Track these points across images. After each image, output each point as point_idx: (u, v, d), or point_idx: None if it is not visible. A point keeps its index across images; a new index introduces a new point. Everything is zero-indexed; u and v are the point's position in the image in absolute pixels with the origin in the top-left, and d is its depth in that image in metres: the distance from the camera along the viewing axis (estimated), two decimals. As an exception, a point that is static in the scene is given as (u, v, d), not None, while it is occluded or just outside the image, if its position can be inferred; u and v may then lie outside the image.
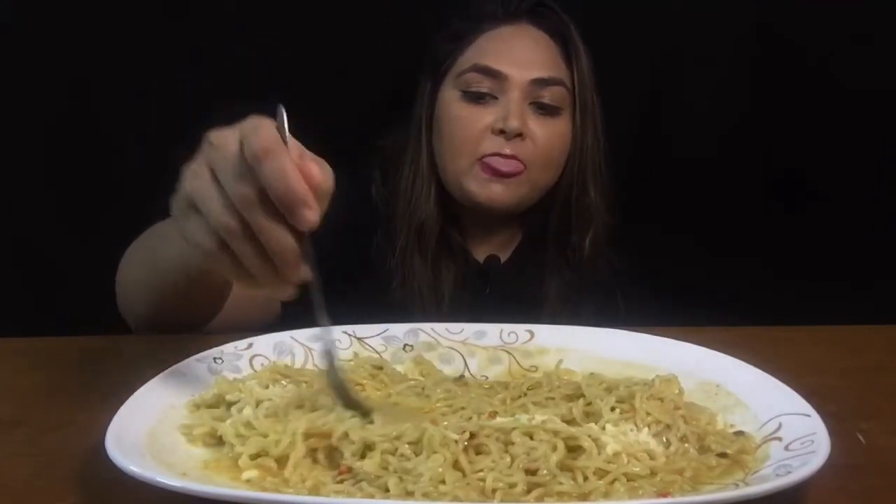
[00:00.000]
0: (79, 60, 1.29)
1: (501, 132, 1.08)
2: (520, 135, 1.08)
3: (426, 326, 0.83)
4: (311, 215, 0.57)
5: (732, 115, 1.39)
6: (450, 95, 1.13)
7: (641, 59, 1.38)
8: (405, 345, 0.81)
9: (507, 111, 1.08)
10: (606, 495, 0.55)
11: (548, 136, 1.11)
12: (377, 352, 0.81)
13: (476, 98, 1.10)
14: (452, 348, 0.81)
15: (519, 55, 1.11)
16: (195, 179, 0.60)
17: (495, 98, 1.10)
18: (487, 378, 0.79)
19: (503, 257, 1.19)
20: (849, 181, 1.37)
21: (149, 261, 0.89)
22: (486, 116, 1.09)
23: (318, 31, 1.32)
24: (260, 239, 0.58)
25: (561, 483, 0.56)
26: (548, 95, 1.10)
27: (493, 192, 1.09)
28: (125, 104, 1.31)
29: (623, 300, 1.16)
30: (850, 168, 1.37)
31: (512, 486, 0.56)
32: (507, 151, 1.08)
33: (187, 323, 0.92)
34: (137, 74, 1.30)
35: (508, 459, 0.58)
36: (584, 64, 1.13)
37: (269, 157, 0.56)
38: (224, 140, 0.60)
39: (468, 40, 1.13)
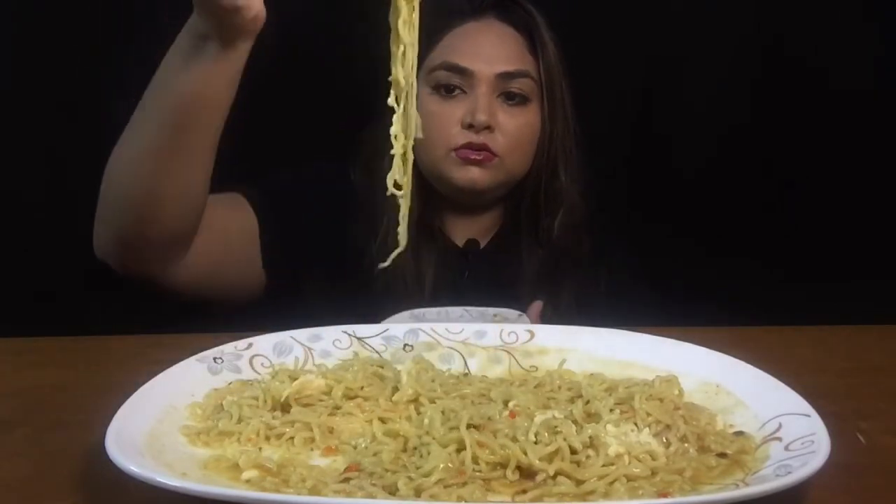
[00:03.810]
0: (77, 59, 1.29)
1: (471, 126, 1.12)
2: (488, 127, 1.12)
3: (426, 326, 0.83)
4: None
5: (732, 116, 1.39)
6: (422, 91, 1.16)
7: (640, 59, 1.38)
8: (405, 345, 0.81)
9: (475, 105, 1.12)
10: (606, 495, 0.55)
11: (517, 126, 1.15)
12: (377, 351, 0.81)
13: (446, 95, 1.14)
14: (452, 348, 0.81)
15: (485, 50, 1.15)
16: None
17: (465, 92, 1.14)
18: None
19: (484, 242, 1.23)
20: (849, 182, 1.37)
21: (139, 118, 0.95)
22: (456, 111, 1.13)
23: (299, 28, 1.31)
24: None
25: (559, 484, 0.56)
26: (515, 87, 1.15)
27: (471, 175, 1.13)
28: (124, 103, 1.31)
29: (607, 281, 1.20)
30: (850, 168, 1.37)
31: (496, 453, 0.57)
32: (478, 143, 1.12)
33: (175, 196, 0.96)
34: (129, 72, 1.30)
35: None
36: (550, 54, 1.17)
37: None
38: None
39: (437, 37, 1.17)
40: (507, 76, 1.14)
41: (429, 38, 1.17)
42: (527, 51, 1.17)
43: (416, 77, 1.17)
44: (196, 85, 0.90)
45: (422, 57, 1.16)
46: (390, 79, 0.86)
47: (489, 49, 1.15)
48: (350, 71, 1.32)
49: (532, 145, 1.18)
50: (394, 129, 0.82)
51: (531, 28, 1.17)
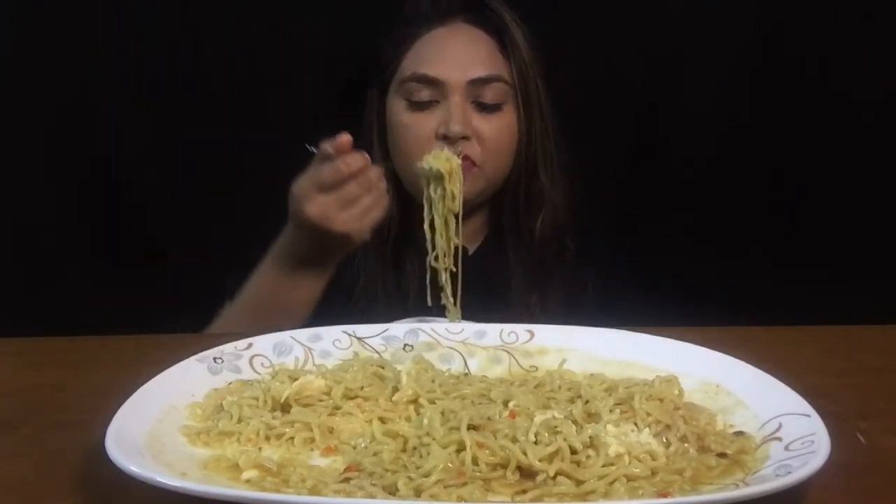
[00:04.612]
0: (77, 60, 1.29)
1: (445, 137, 1.10)
2: (464, 136, 1.10)
3: (426, 326, 0.83)
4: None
5: (732, 116, 1.39)
6: (396, 103, 1.16)
7: (640, 59, 1.38)
8: (405, 345, 0.81)
9: (448, 116, 1.10)
10: (606, 496, 0.55)
11: (493, 131, 1.13)
12: (377, 351, 0.81)
13: (419, 106, 1.12)
14: (452, 348, 0.81)
15: (455, 57, 1.13)
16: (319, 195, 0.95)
17: (438, 102, 1.12)
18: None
19: (472, 248, 1.21)
20: (849, 181, 1.37)
21: (233, 319, 1.05)
22: (430, 122, 1.12)
23: (276, 38, 1.32)
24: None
25: (559, 484, 0.56)
26: (489, 94, 1.13)
27: None
28: (122, 103, 1.32)
29: (594, 281, 1.19)
30: (851, 168, 1.37)
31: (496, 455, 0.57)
32: None
33: None
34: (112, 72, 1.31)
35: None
36: (523, 54, 1.15)
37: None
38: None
39: (407, 46, 1.15)
40: (479, 82, 1.12)
41: (397, 48, 1.17)
42: (498, 52, 1.15)
43: (390, 86, 1.18)
44: (295, 297, 1.00)
45: (392, 68, 1.17)
46: (434, 264, 1.00)
47: (459, 55, 1.13)
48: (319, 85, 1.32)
49: (511, 148, 1.16)
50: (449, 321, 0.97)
51: (501, 29, 1.15)
